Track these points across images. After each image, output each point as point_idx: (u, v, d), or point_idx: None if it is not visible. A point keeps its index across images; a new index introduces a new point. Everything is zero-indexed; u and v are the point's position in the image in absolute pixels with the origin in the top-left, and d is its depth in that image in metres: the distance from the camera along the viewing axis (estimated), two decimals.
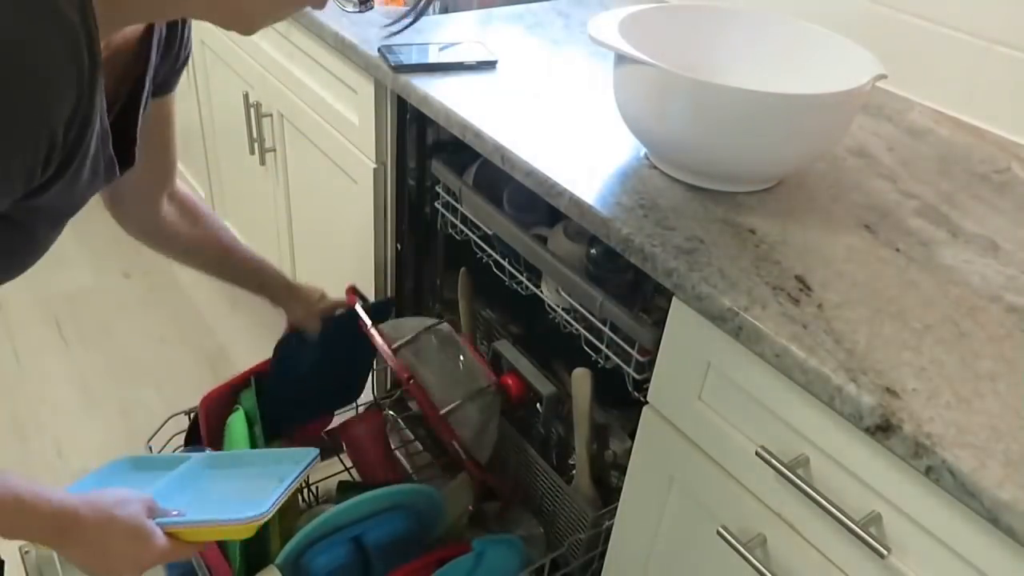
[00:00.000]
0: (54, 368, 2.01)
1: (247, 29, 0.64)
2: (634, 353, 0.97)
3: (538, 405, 1.25)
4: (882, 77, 0.90)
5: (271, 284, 1.19)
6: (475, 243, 1.26)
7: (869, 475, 0.70)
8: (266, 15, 0.64)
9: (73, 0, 0.53)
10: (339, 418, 1.42)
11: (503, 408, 1.30)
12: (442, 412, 1.15)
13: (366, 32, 1.31)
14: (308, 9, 0.66)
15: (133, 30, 0.70)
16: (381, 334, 1.23)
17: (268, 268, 1.19)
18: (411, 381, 1.16)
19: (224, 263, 1.13)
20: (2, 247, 0.64)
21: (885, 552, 0.68)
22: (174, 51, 0.79)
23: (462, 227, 1.27)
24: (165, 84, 0.84)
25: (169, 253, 1.08)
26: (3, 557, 0.90)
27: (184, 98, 2.20)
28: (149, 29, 0.71)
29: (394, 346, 1.21)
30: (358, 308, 1.26)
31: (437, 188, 1.29)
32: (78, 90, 0.55)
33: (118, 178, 0.70)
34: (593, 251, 1.09)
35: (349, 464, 1.40)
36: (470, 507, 1.25)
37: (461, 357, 1.25)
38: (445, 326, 1.27)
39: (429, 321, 1.27)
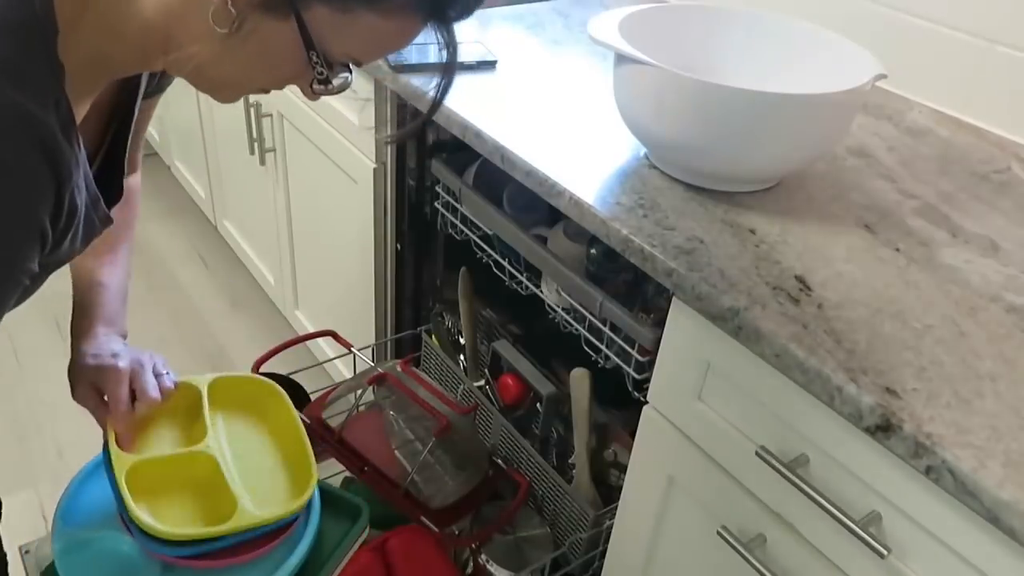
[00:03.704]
0: (54, 368, 2.01)
1: (227, 99, 0.64)
2: (634, 353, 0.97)
3: (538, 405, 1.25)
4: (882, 77, 0.90)
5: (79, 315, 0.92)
6: (475, 243, 1.26)
7: (869, 475, 0.70)
8: (245, 87, 0.64)
9: (47, 99, 0.53)
10: (340, 418, 1.41)
11: (500, 408, 1.30)
12: (405, 485, 1.11)
13: None
14: None
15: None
16: (318, 420, 1.15)
17: (100, 306, 0.94)
18: (364, 471, 1.13)
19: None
20: (18, 296, 0.65)
21: (885, 552, 0.68)
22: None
23: (462, 227, 1.27)
24: (158, 87, 0.82)
25: None
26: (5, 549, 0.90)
27: (184, 98, 2.20)
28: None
29: (337, 435, 1.16)
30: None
31: (437, 188, 1.29)
32: (56, 184, 0.56)
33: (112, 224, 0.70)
34: (593, 251, 1.09)
35: None
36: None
37: (415, 398, 1.21)
38: (384, 373, 1.22)
39: (362, 378, 1.22)
